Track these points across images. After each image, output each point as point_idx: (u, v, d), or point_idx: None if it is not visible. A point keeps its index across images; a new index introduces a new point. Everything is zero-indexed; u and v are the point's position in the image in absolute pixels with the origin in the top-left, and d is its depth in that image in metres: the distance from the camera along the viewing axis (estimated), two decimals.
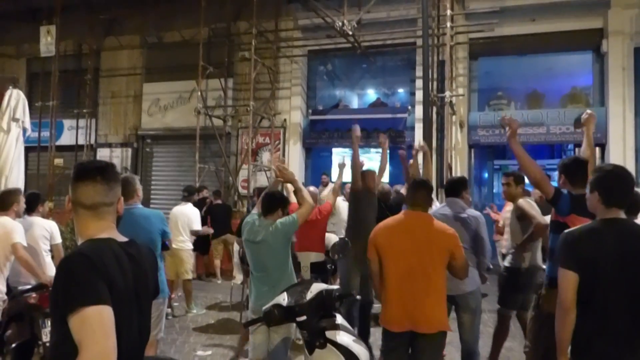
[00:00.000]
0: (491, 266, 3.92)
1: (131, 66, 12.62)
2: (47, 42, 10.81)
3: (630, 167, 8.75)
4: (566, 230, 2.45)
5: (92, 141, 12.79)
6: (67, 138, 12.85)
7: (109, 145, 12.71)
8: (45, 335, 4.36)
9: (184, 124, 11.68)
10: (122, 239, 1.78)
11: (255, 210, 3.91)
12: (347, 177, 5.47)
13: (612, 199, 2.35)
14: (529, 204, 4.28)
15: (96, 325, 1.47)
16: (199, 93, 10.83)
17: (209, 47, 11.16)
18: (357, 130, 5.14)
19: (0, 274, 4.40)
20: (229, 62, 11.48)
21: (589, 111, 3.85)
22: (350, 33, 9.31)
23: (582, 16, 9.43)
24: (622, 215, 2.38)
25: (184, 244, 7.24)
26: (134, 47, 12.61)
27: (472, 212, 4.15)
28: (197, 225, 7.37)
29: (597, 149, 9.65)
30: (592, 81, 9.98)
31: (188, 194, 7.65)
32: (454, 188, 4.32)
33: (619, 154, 8.95)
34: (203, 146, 11.15)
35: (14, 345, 4.27)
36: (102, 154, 12.44)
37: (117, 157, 12.44)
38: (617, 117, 9.16)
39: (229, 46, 11.46)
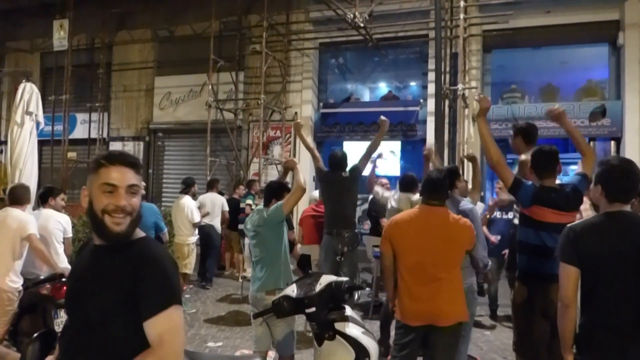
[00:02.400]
0: (489, 263, 3.75)
1: (143, 60, 12.67)
2: (60, 36, 10.90)
3: None
4: (568, 225, 2.44)
5: (105, 135, 12.88)
6: (80, 132, 12.95)
7: (122, 139, 12.79)
8: (58, 326, 4.41)
9: (195, 117, 11.71)
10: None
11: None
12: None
13: (615, 194, 2.34)
14: None
15: (179, 324, 1.57)
16: (210, 86, 10.83)
17: (220, 41, 11.16)
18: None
19: (15, 266, 4.46)
20: (240, 56, 11.47)
21: (555, 106, 3.65)
22: (362, 25, 9.24)
23: (598, 8, 9.25)
24: (627, 208, 2.36)
25: (185, 237, 7.32)
26: (145, 41, 12.65)
27: (466, 205, 3.91)
28: (198, 217, 7.51)
29: (613, 143, 9.52)
30: (608, 74, 9.80)
31: (186, 187, 7.74)
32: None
33: (635, 147, 8.80)
34: (214, 140, 11.19)
35: (35, 335, 4.32)
36: (114, 148, 12.51)
37: (129, 150, 12.49)
38: (634, 110, 9.00)
39: (240, 39, 11.44)
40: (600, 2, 9.17)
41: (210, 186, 8.80)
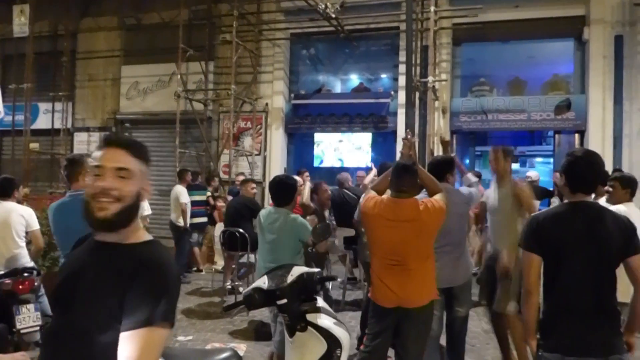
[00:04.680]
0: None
1: (109, 48, 12.30)
2: (21, 22, 10.50)
3: (609, 154, 8.88)
4: (532, 214, 2.58)
5: (69, 125, 12.49)
6: (42, 122, 12.52)
7: (87, 130, 12.42)
8: (19, 322, 4.27)
9: (163, 107, 11.47)
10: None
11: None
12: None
13: (578, 185, 2.41)
14: None
15: (155, 348, 1.33)
16: (179, 76, 10.63)
17: (189, 30, 10.94)
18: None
19: None
20: (210, 45, 11.27)
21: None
22: (334, 16, 9.21)
23: (565, 3, 9.45)
24: (588, 199, 2.44)
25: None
26: (111, 28, 12.29)
27: (465, 189, 3.95)
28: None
29: (577, 135, 9.78)
30: (573, 69, 10.03)
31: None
32: (439, 170, 3.74)
33: (598, 140, 9.05)
34: (183, 131, 11.00)
35: None
36: (80, 139, 12.19)
37: (95, 141, 12.17)
38: (597, 104, 9.24)
39: (209, 28, 11.24)
40: None
41: (179, 177, 8.62)
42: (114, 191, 1.46)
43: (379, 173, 5.24)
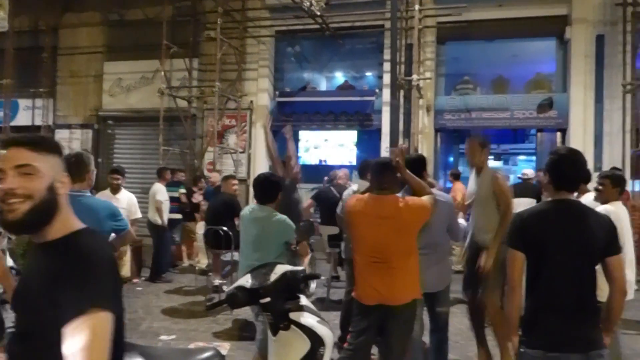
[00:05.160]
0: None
1: (91, 44, 12.12)
2: (0, 16, 10.28)
3: (590, 152, 9.01)
4: (516, 212, 2.60)
5: (51, 122, 12.31)
6: (23, 118, 12.33)
7: (69, 127, 12.25)
8: None
9: (147, 105, 11.35)
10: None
11: None
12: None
13: (562, 183, 2.44)
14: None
15: (102, 333, 1.27)
16: (163, 73, 10.54)
17: (173, 26, 10.82)
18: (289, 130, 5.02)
19: None
20: (194, 42, 11.18)
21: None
22: (319, 14, 9.20)
23: (547, 3, 9.56)
24: (571, 197, 2.47)
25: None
26: (94, 24, 12.12)
27: (441, 195, 3.78)
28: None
29: (559, 134, 9.91)
30: (556, 68, 10.16)
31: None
32: (412, 168, 3.55)
33: (579, 139, 9.18)
34: (167, 128, 10.90)
35: None
36: (61, 135, 11.98)
37: (77, 138, 12.03)
38: (579, 103, 9.37)
39: (194, 25, 11.15)
40: None
41: (159, 175, 8.45)
42: (19, 190, 1.39)
43: (360, 171, 5.23)
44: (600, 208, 3.72)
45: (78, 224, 1.51)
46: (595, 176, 4.44)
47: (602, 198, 4.07)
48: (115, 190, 6.22)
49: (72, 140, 11.85)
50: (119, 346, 1.42)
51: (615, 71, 9.21)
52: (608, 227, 2.39)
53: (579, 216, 2.40)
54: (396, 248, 3.11)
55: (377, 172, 3.25)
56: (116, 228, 3.25)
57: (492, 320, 4.19)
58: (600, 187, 4.13)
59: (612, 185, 4.03)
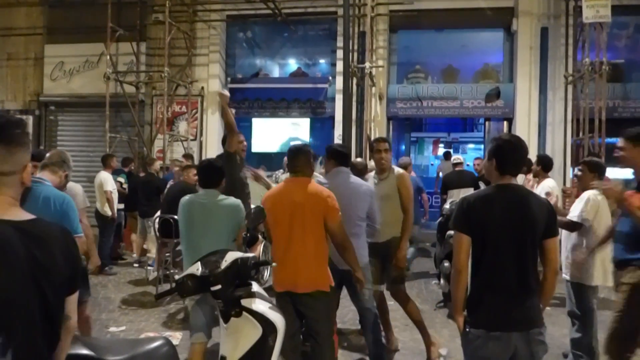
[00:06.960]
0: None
1: (30, 25, 11.50)
2: None
3: (534, 141, 9.36)
4: (463, 196, 2.68)
5: None
6: None
7: (7, 113, 11.59)
8: None
9: (92, 90, 10.89)
10: (23, 217, 1.48)
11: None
12: None
13: (506, 167, 2.52)
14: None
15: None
16: (109, 57, 10.14)
17: (119, 8, 10.42)
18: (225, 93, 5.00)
19: None
20: (142, 25, 10.78)
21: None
22: None
23: None
24: (515, 181, 2.57)
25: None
26: (33, 4, 11.48)
27: (362, 183, 3.90)
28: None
29: (505, 123, 10.23)
30: (503, 58, 10.45)
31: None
32: (341, 157, 3.93)
33: (524, 128, 9.51)
34: (114, 114, 10.52)
35: None
36: None
37: None
38: (524, 93, 9.69)
39: (141, 8, 10.73)
40: None
41: (104, 163, 8.22)
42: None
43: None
44: (581, 196, 3.99)
45: (24, 214, 1.50)
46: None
47: (582, 184, 4.17)
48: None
49: None
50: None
51: (558, 63, 9.58)
52: (548, 211, 2.50)
53: (522, 200, 2.48)
54: (302, 232, 3.20)
55: (291, 155, 3.40)
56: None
57: (405, 309, 4.43)
58: (579, 173, 4.28)
59: (590, 171, 4.12)
